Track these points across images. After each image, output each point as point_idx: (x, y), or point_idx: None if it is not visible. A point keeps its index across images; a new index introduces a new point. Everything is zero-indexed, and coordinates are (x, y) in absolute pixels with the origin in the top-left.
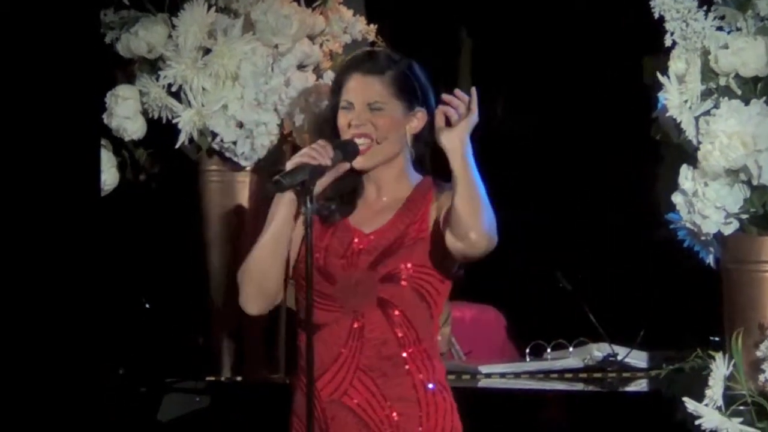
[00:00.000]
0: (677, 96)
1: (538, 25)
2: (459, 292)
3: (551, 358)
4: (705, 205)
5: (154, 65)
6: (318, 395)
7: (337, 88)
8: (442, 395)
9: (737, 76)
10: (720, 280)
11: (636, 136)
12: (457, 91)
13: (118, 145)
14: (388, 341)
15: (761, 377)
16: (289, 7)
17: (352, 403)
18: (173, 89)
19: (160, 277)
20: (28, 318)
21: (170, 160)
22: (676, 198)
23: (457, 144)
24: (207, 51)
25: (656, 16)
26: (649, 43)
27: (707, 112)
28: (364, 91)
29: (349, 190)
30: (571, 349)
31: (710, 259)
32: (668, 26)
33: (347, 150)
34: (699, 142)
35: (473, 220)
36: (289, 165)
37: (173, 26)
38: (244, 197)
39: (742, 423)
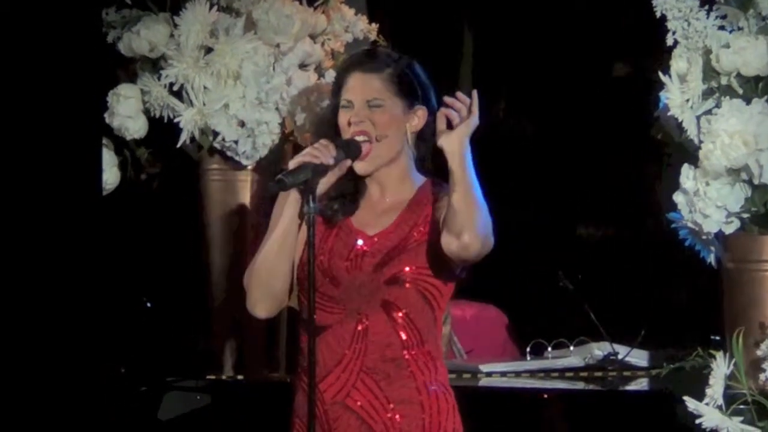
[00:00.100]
0: (679, 95)
1: (539, 24)
2: (460, 291)
3: (552, 356)
4: (706, 204)
5: (155, 64)
6: (321, 397)
7: (337, 88)
8: (444, 397)
9: (739, 75)
10: (721, 279)
11: (636, 135)
12: (459, 94)
13: (120, 144)
14: (392, 343)
15: (762, 376)
16: (291, 6)
17: (355, 405)
18: (175, 88)
19: (161, 276)
20: (30, 317)
21: (172, 159)
22: (678, 197)
23: (456, 146)
24: (209, 50)
25: (658, 15)
26: (650, 43)
27: (709, 112)
28: (363, 88)
29: (351, 191)
30: (571, 348)
31: (711, 258)
32: (670, 25)
33: (350, 149)
34: (700, 142)
35: (468, 223)
36: (292, 164)
37: (175, 25)
38: (245, 196)
39: (742, 422)
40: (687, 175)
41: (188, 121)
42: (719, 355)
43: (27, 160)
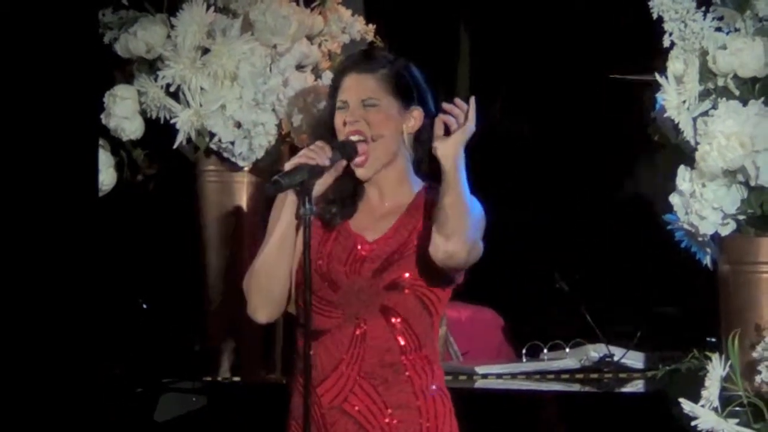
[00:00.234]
0: (675, 96)
1: (536, 25)
2: (456, 293)
3: (548, 358)
4: (702, 205)
5: (152, 65)
6: (318, 401)
7: (334, 89)
8: (441, 401)
9: (735, 76)
10: (717, 281)
11: (635, 136)
12: (457, 100)
13: (116, 145)
14: (391, 348)
15: (757, 378)
16: (288, 8)
17: (353, 410)
18: (171, 89)
19: (158, 277)
20: (26, 318)
21: (168, 160)
22: (674, 199)
23: (450, 152)
24: (205, 51)
25: (655, 16)
26: (647, 45)
27: (705, 113)
28: (358, 88)
29: (349, 193)
30: (567, 349)
31: (707, 260)
32: (667, 26)
33: (346, 150)
34: (697, 143)
35: (454, 230)
36: (288, 166)
37: (172, 26)
38: (242, 197)
39: (738, 424)
40: (683, 177)
41: (185, 122)
42: (715, 357)
43: (23, 161)
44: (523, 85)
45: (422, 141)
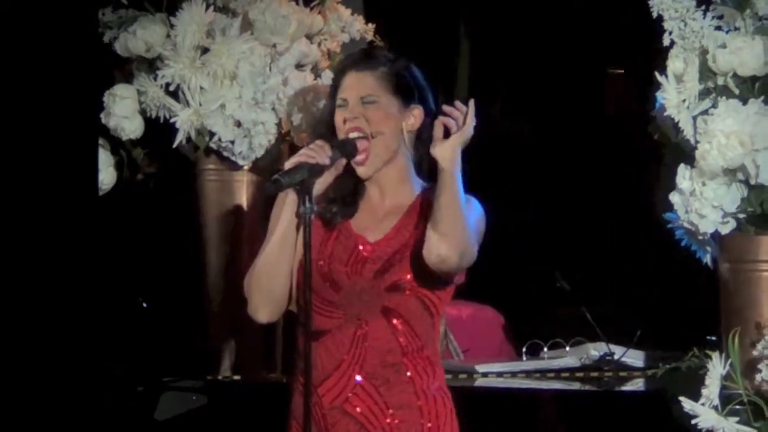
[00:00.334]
0: (675, 95)
1: (536, 24)
2: (457, 291)
3: (548, 357)
4: (702, 204)
5: (152, 64)
6: (319, 401)
7: (334, 89)
8: (443, 401)
9: (735, 75)
10: (717, 279)
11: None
12: (457, 103)
13: (116, 144)
14: (392, 349)
15: (758, 376)
16: (287, 7)
17: (354, 411)
18: (171, 88)
19: (158, 276)
20: (26, 317)
21: (168, 160)
22: (674, 197)
23: (447, 154)
24: (205, 50)
25: (654, 15)
26: (647, 44)
27: (705, 112)
28: (358, 86)
29: (350, 192)
30: (567, 348)
31: (707, 259)
32: (666, 25)
33: (346, 149)
34: (697, 142)
35: (448, 233)
36: (288, 164)
37: (171, 26)
38: (241, 196)
39: (738, 422)
40: (683, 176)
41: (184, 121)
42: (715, 355)
43: (23, 160)
44: (523, 85)
45: (423, 140)
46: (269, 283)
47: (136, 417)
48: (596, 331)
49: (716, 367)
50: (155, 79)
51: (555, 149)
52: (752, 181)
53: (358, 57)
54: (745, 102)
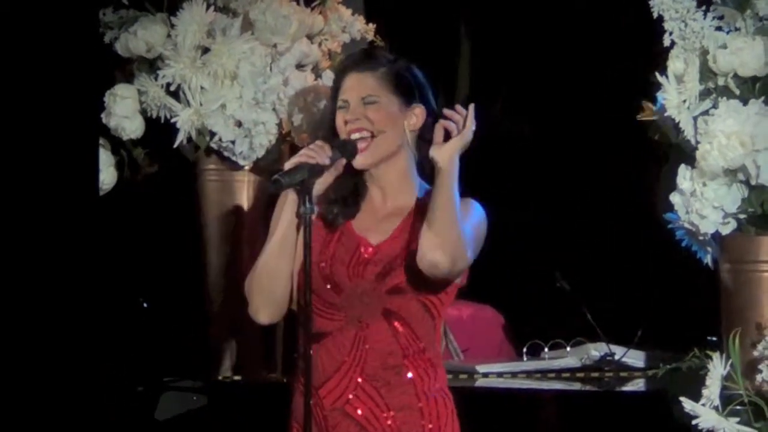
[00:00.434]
0: (676, 96)
1: (537, 24)
2: (459, 292)
3: (549, 357)
4: (703, 204)
5: (152, 64)
6: (320, 403)
7: (335, 90)
8: (444, 402)
9: (736, 75)
10: (717, 279)
11: (635, 136)
12: (458, 107)
13: (117, 144)
14: (393, 351)
15: (758, 377)
16: (288, 7)
17: (355, 413)
18: (172, 88)
19: (158, 276)
20: (26, 317)
21: (168, 160)
22: (674, 198)
23: (445, 158)
24: (206, 50)
25: (655, 15)
26: (647, 44)
27: (706, 112)
28: (358, 86)
29: (351, 193)
30: (568, 348)
31: (708, 259)
32: (667, 26)
33: (346, 149)
34: (697, 142)
35: (440, 239)
36: (288, 165)
37: (172, 26)
38: (242, 196)
39: (739, 423)
40: (684, 176)
41: (185, 121)
42: (716, 355)
43: (24, 160)
44: (524, 85)
45: (426, 140)
46: (270, 285)
47: (137, 417)
48: (597, 332)
49: (717, 368)
50: (156, 79)
51: (555, 149)
52: (753, 182)
53: (358, 58)
54: (745, 102)
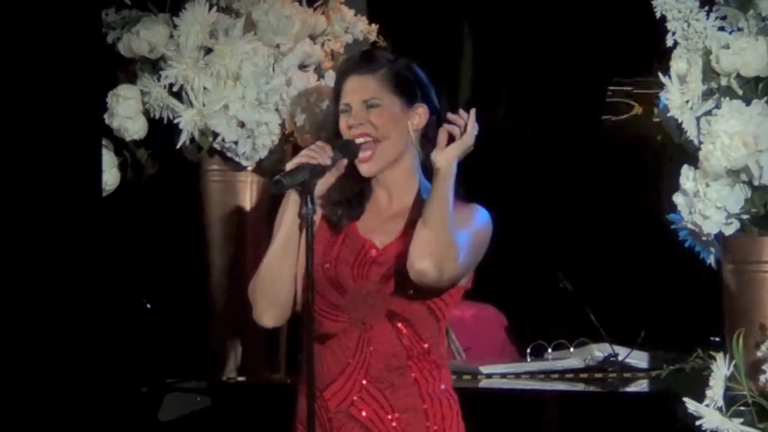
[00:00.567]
0: (678, 96)
1: (540, 24)
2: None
3: (552, 358)
4: (706, 205)
5: (155, 65)
6: (325, 405)
7: (336, 94)
8: (449, 403)
9: (738, 76)
10: (721, 280)
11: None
12: (461, 111)
13: (120, 145)
14: (397, 353)
15: (762, 378)
16: (291, 7)
17: (360, 415)
18: (174, 89)
19: (162, 277)
20: (30, 318)
21: (171, 160)
22: (677, 198)
23: (444, 163)
24: (208, 51)
25: (658, 15)
26: (650, 44)
27: (708, 113)
28: (360, 90)
29: (355, 194)
30: (571, 349)
31: (711, 260)
32: (670, 26)
33: (347, 149)
34: (700, 143)
35: (429, 247)
36: (289, 165)
37: (175, 26)
38: (245, 197)
39: (742, 423)
40: (687, 176)
41: (188, 121)
42: (719, 356)
43: (27, 161)
44: (526, 85)
45: (430, 138)
46: (273, 287)
47: (140, 418)
48: (600, 332)
49: (720, 368)
50: (158, 79)
51: (558, 149)
52: (756, 182)
53: (358, 60)
54: (748, 103)
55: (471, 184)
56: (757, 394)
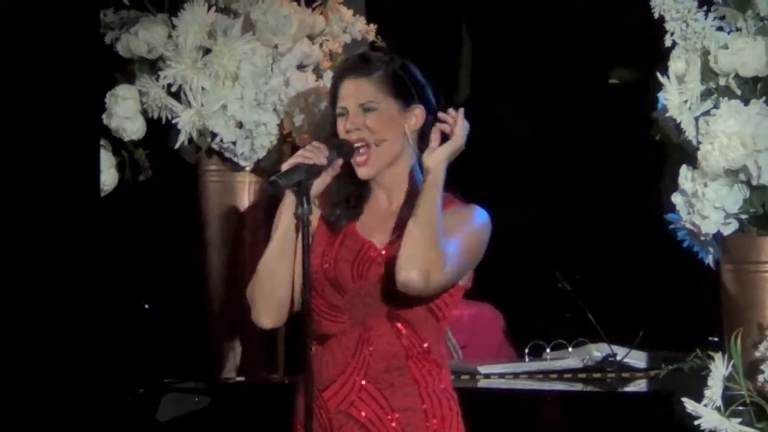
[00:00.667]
0: (677, 96)
1: (538, 24)
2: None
3: (550, 358)
4: (704, 205)
5: (153, 65)
6: (325, 406)
7: (333, 97)
8: (449, 404)
9: (737, 76)
10: (719, 280)
11: (636, 136)
12: (451, 110)
13: (118, 145)
14: (397, 353)
15: (760, 377)
16: (289, 7)
17: (359, 415)
18: (173, 89)
19: (160, 277)
20: (28, 319)
21: (170, 161)
22: (676, 198)
23: (433, 165)
24: (207, 51)
25: (656, 16)
26: (649, 44)
27: (707, 113)
28: (356, 93)
29: (354, 194)
30: (570, 349)
31: (709, 260)
32: (668, 26)
33: (343, 149)
34: (699, 143)
35: (414, 259)
36: (285, 166)
37: (173, 26)
38: (243, 197)
39: (741, 423)
40: (685, 176)
41: (186, 122)
42: (718, 356)
43: (25, 161)
44: (525, 85)
45: (427, 137)
46: (271, 287)
47: (138, 418)
48: (598, 332)
49: (719, 368)
50: (157, 79)
51: (557, 149)
52: (754, 182)
53: (353, 63)
54: (746, 103)
55: (471, 184)
56: (756, 394)
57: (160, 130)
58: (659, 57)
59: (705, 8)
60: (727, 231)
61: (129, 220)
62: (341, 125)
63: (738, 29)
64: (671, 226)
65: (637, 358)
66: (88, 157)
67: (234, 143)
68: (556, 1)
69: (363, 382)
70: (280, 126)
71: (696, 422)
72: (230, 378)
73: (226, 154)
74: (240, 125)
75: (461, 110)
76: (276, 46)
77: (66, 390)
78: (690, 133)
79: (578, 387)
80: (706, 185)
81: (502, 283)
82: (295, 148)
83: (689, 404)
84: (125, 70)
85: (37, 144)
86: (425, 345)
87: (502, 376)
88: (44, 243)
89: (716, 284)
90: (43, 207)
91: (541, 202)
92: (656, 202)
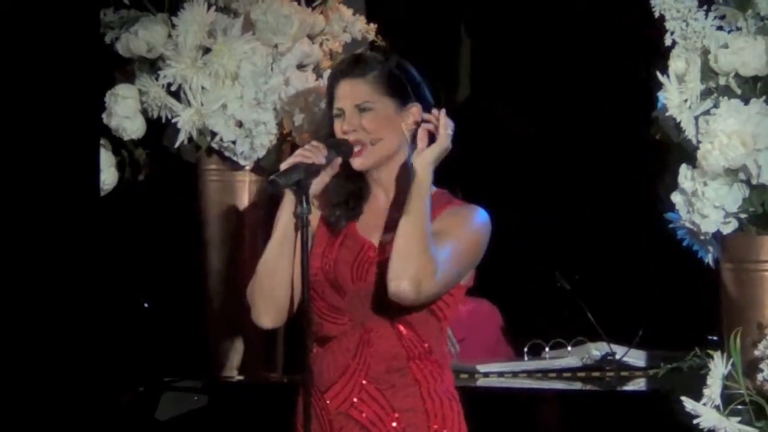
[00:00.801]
0: (677, 95)
1: (538, 23)
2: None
3: (549, 357)
4: (704, 204)
5: (153, 65)
6: (325, 407)
7: (330, 98)
8: (450, 404)
9: (737, 75)
10: (718, 279)
11: (636, 135)
12: (434, 111)
13: (118, 144)
14: (398, 354)
15: (759, 376)
16: (289, 7)
17: (360, 416)
18: (173, 88)
19: (159, 276)
20: (27, 317)
21: (169, 160)
22: (676, 197)
23: (420, 165)
24: (207, 50)
25: (656, 15)
26: (649, 44)
27: (707, 112)
28: (352, 94)
29: (353, 194)
30: (569, 348)
31: (709, 259)
32: (668, 25)
33: (341, 149)
34: (699, 142)
35: (404, 269)
36: (284, 165)
37: (173, 26)
38: (243, 196)
39: (740, 422)
40: (685, 176)
41: (186, 121)
42: (717, 355)
43: (24, 161)
44: (525, 85)
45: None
46: (271, 286)
47: (137, 417)
48: (598, 331)
49: (718, 367)
50: (157, 79)
51: (556, 149)
52: (754, 181)
53: (348, 64)
54: (746, 102)
55: (471, 184)
56: (755, 393)
57: (159, 129)
58: (659, 56)
59: (705, 7)
60: (726, 230)
61: (129, 219)
62: (338, 126)
63: (738, 28)
64: (671, 225)
65: (636, 357)
66: (88, 156)
67: (234, 142)
68: (556, 0)
69: (363, 383)
70: (280, 125)
71: (695, 421)
72: (229, 377)
73: (226, 154)
74: (240, 124)
75: (443, 110)
76: (276, 46)
77: (65, 388)
78: (690, 132)
79: (577, 386)
80: (705, 184)
81: (501, 282)
82: (294, 148)
83: (688, 403)
84: (125, 69)
85: (37, 143)
86: (426, 345)
87: (501, 374)
88: (44, 242)
89: (715, 283)
90: (43, 206)
91: (540, 201)
92: (656, 201)
